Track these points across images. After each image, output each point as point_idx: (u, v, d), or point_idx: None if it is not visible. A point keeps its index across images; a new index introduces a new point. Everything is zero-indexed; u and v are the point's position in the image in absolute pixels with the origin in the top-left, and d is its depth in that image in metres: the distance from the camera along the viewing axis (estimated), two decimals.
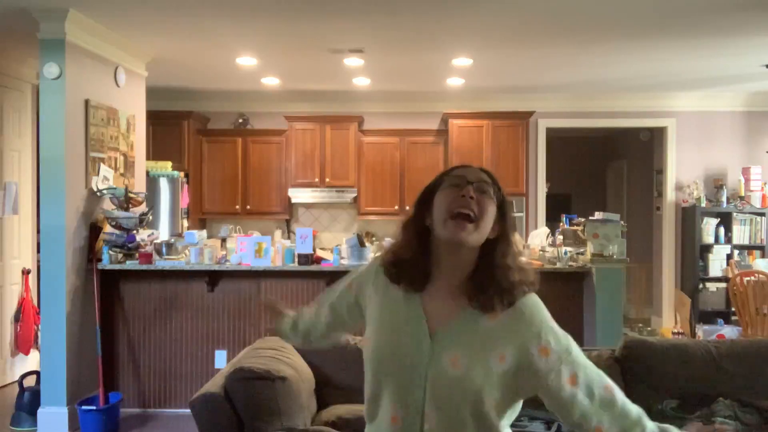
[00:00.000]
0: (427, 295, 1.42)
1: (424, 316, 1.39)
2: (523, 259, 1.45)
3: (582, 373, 1.34)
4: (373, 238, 7.10)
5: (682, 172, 7.39)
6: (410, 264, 1.42)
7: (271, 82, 6.56)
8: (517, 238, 1.47)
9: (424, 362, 1.34)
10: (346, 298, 1.59)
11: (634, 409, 1.34)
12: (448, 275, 1.41)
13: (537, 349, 1.34)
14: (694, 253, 7.05)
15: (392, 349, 1.38)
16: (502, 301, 1.36)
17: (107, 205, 4.74)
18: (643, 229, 8.13)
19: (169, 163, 6.55)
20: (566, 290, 4.72)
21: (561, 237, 5.12)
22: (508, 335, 1.35)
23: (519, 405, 1.41)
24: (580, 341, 5.08)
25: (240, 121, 7.51)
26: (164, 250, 4.69)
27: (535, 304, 1.40)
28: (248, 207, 7.26)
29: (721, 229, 7.03)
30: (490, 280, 1.37)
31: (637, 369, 3.08)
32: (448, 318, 1.38)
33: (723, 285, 6.86)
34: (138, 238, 4.68)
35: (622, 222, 4.81)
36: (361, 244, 4.76)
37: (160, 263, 4.64)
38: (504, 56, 5.53)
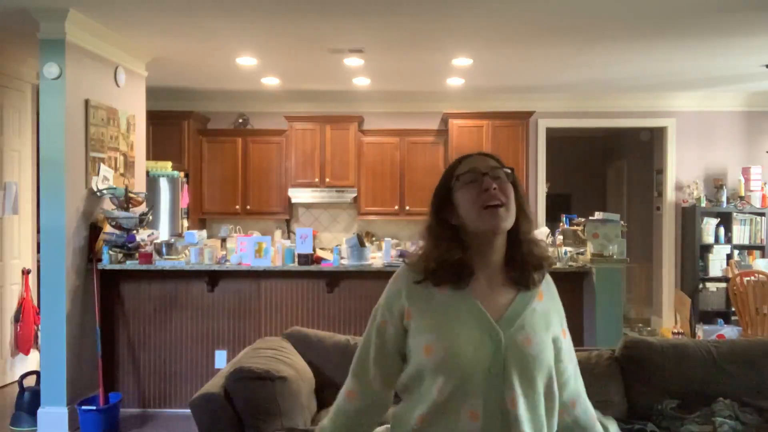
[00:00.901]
0: (474, 289, 1.44)
1: (482, 308, 1.42)
2: (539, 239, 1.55)
3: (575, 359, 1.54)
4: (373, 238, 7.10)
5: (682, 172, 7.39)
6: (454, 264, 1.44)
7: (271, 82, 6.56)
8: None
9: (501, 350, 1.38)
10: (387, 332, 1.48)
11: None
12: (487, 264, 1.46)
13: (561, 330, 1.51)
14: (694, 253, 7.05)
15: (466, 349, 1.38)
16: (538, 276, 1.48)
17: (107, 205, 4.74)
18: (643, 229, 8.13)
19: (169, 163, 6.56)
20: (566, 290, 4.68)
21: (561, 237, 5.12)
22: (553, 312, 1.50)
23: None
24: (580, 341, 5.07)
25: (240, 121, 7.51)
26: (164, 250, 4.69)
27: (551, 281, 1.55)
28: (248, 207, 7.26)
29: (721, 229, 7.03)
30: (523, 257, 1.46)
31: (637, 369, 3.08)
32: (505, 304, 1.44)
33: (723, 285, 6.86)
34: (138, 238, 4.68)
35: (622, 222, 4.81)
36: (361, 244, 4.76)
37: (160, 263, 4.64)
38: (504, 56, 5.53)
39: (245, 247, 4.70)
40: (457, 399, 1.37)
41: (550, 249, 4.92)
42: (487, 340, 1.38)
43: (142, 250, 4.66)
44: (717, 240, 7.03)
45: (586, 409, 1.55)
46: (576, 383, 1.53)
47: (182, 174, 6.73)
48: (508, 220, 1.43)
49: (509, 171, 1.49)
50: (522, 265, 1.46)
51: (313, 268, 4.65)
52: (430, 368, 1.39)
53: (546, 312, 1.47)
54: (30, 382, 4.54)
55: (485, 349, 1.38)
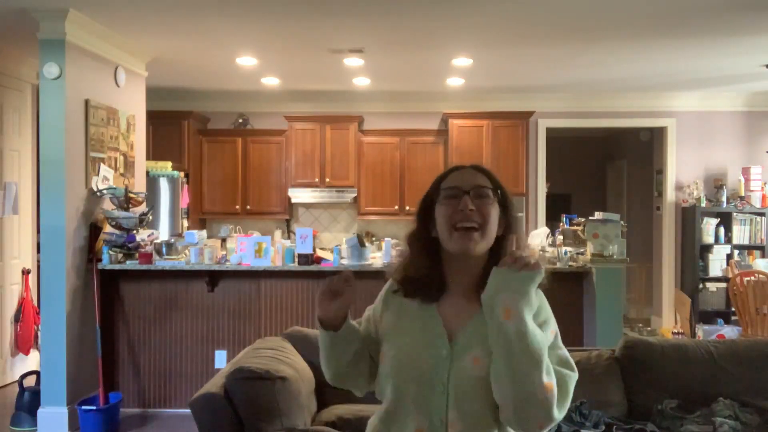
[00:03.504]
0: (443, 303, 1.42)
1: (440, 321, 1.39)
2: (532, 252, 1.43)
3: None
4: (373, 238, 7.09)
5: (682, 172, 7.39)
6: (424, 279, 1.42)
7: (271, 82, 6.56)
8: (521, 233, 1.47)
9: (446, 366, 1.34)
10: (373, 321, 1.52)
11: None
12: (460, 279, 1.41)
13: (547, 332, 1.36)
14: (694, 253, 7.05)
15: (412, 358, 1.37)
16: None
17: (107, 205, 4.74)
18: (643, 229, 8.13)
19: (169, 163, 6.55)
20: (566, 290, 4.71)
21: (561, 237, 5.13)
22: None
23: None
24: (580, 341, 5.05)
25: (240, 121, 7.51)
26: (164, 250, 4.69)
27: (542, 304, 1.39)
28: (248, 207, 7.26)
29: (721, 229, 7.03)
30: None
31: (637, 369, 3.08)
32: (466, 320, 1.38)
33: (723, 285, 6.86)
34: (138, 238, 4.67)
35: (622, 222, 4.81)
36: (361, 244, 4.76)
37: (160, 263, 4.64)
38: (504, 56, 5.53)
39: (245, 247, 4.70)
40: (405, 412, 1.37)
41: (550, 249, 4.92)
42: (435, 355, 1.36)
43: (142, 250, 4.66)
44: (717, 240, 7.03)
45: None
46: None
47: (182, 174, 6.73)
48: (481, 244, 1.36)
49: (498, 188, 1.41)
50: None
51: (313, 268, 4.65)
52: (384, 375, 1.41)
53: None
54: (30, 382, 4.54)
55: (429, 364, 1.35)
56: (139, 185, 5.31)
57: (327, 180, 7.17)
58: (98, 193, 4.62)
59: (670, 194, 7.43)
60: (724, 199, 7.02)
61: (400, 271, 1.47)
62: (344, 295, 1.39)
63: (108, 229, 4.64)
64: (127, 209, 4.68)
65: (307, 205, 7.53)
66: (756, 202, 7.01)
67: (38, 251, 5.39)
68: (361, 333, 1.50)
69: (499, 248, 1.39)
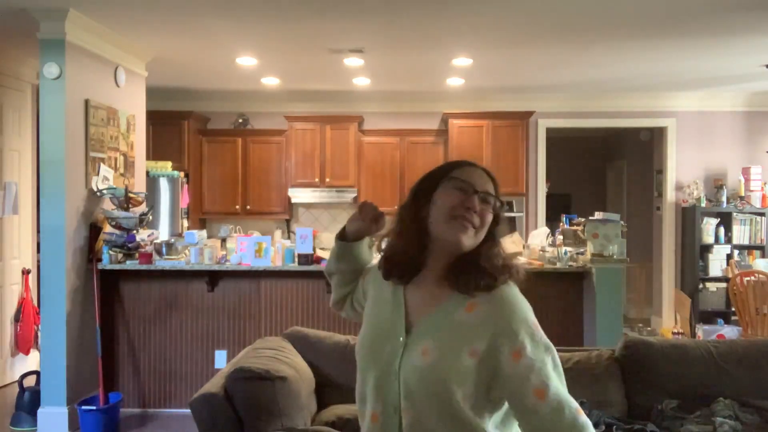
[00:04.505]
0: (411, 287, 1.44)
1: (404, 309, 1.41)
2: (510, 255, 1.44)
3: (553, 389, 1.26)
4: (373, 238, 7.09)
5: (682, 172, 7.39)
6: (406, 260, 1.43)
7: (271, 82, 6.56)
8: (516, 237, 1.49)
9: (398, 356, 1.35)
10: (362, 281, 1.64)
11: None
12: (434, 265, 1.42)
13: (509, 350, 1.27)
14: (694, 253, 7.05)
15: (371, 343, 1.42)
16: (479, 284, 1.33)
17: (107, 205, 4.74)
18: (643, 229, 8.13)
19: (169, 163, 6.56)
20: (566, 290, 4.71)
21: (561, 237, 5.12)
22: (483, 328, 1.30)
23: (505, 405, 1.33)
24: (579, 341, 5.05)
25: (240, 121, 7.51)
26: (164, 250, 4.69)
27: (516, 298, 1.35)
28: (248, 207, 7.26)
29: (721, 229, 7.02)
30: (472, 264, 1.37)
31: (637, 369, 3.08)
32: (428, 309, 1.39)
33: (723, 285, 6.85)
34: (138, 238, 4.67)
35: (622, 222, 4.81)
36: None
37: (160, 263, 4.64)
38: (504, 56, 5.53)
39: (245, 247, 4.70)
40: (366, 395, 1.40)
41: (550, 249, 4.92)
42: (390, 342, 1.38)
43: (142, 250, 4.66)
44: (717, 240, 7.03)
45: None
46: (558, 421, 1.25)
47: (182, 174, 6.73)
48: (472, 240, 1.37)
49: (498, 203, 1.43)
50: (464, 271, 1.36)
51: (313, 268, 4.65)
52: (356, 351, 1.48)
53: (473, 326, 1.31)
54: (30, 382, 4.54)
55: (385, 351, 1.38)
56: (139, 185, 5.31)
57: (327, 180, 7.17)
58: (98, 193, 4.62)
59: (670, 194, 7.43)
60: (724, 199, 7.02)
61: (387, 249, 1.51)
62: (369, 223, 1.59)
63: (108, 229, 4.64)
64: (127, 209, 4.68)
65: (307, 205, 7.54)
66: (756, 202, 7.01)
67: (38, 251, 5.39)
68: (360, 270, 1.65)
69: (478, 249, 1.40)
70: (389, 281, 1.47)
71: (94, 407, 4.31)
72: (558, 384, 1.27)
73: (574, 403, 1.27)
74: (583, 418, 1.26)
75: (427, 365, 1.30)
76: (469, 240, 1.37)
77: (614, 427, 2.83)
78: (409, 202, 1.47)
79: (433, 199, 1.41)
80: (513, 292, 1.36)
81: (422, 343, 1.34)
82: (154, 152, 6.64)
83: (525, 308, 1.34)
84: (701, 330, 6.06)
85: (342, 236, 1.63)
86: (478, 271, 1.35)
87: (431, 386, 1.29)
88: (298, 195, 7.21)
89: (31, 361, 5.58)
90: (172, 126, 6.94)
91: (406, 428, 1.33)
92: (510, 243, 4.78)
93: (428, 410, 1.30)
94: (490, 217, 1.41)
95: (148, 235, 4.86)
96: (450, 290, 1.37)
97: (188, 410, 2.72)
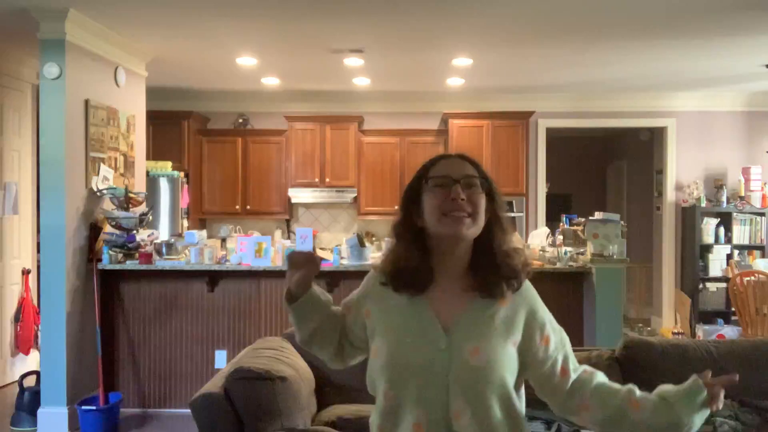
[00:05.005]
0: (431, 294, 1.41)
1: (434, 314, 1.39)
2: (514, 239, 1.48)
3: (572, 363, 1.44)
4: (373, 238, 7.10)
5: (682, 172, 7.39)
6: (411, 271, 1.41)
7: (271, 82, 6.56)
8: (516, 237, 1.50)
9: (444, 360, 1.34)
10: (350, 316, 1.53)
11: (619, 386, 1.42)
12: (449, 270, 1.42)
13: (539, 337, 1.41)
14: (694, 253, 7.05)
15: (408, 354, 1.36)
16: (511, 287, 1.41)
17: (107, 205, 4.74)
18: (643, 229, 8.13)
19: (169, 163, 6.56)
20: (566, 290, 4.71)
21: (561, 237, 5.12)
22: (517, 319, 1.40)
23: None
24: (579, 341, 5.04)
25: (240, 121, 7.51)
26: (164, 250, 4.69)
27: (533, 291, 1.47)
28: (248, 207, 7.26)
29: (721, 229, 7.02)
30: (493, 266, 1.40)
31: (637, 369, 3.08)
32: (459, 311, 1.39)
33: (723, 285, 6.85)
34: (138, 238, 4.67)
35: (622, 222, 4.81)
36: (361, 244, 4.76)
37: (160, 263, 4.64)
38: (504, 56, 5.53)
39: (245, 247, 4.70)
40: (402, 408, 1.36)
41: (550, 249, 4.92)
42: (432, 348, 1.35)
43: (142, 250, 4.66)
44: (717, 240, 7.03)
45: (599, 387, 1.43)
46: (581, 380, 1.43)
47: (182, 174, 6.73)
48: (472, 229, 1.38)
49: (484, 177, 1.43)
50: (487, 273, 1.40)
51: None
52: (376, 371, 1.40)
53: (509, 318, 1.39)
54: (30, 382, 4.54)
55: (426, 359, 1.35)
56: (139, 185, 5.31)
57: (327, 180, 7.17)
58: (98, 193, 4.62)
59: (670, 194, 7.43)
60: (724, 199, 7.02)
61: (387, 264, 1.46)
62: (307, 268, 1.44)
63: (108, 229, 4.64)
64: (127, 209, 4.68)
65: (307, 205, 7.53)
66: (756, 202, 7.01)
67: (38, 251, 5.39)
68: (333, 310, 1.53)
69: (486, 236, 1.42)
70: (401, 293, 1.43)
71: (94, 407, 4.31)
72: (575, 359, 1.45)
73: (582, 367, 1.45)
74: (590, 370, 1.44)
75: (484, 364, 1.33)
76: (469, 229, 1.38)
77: None
78: (400, 216, 1.47)
79: (421, 206, 1.42)
80: (530, 287, 1.47)
81: (468, 344, 1.35)
82: (154, 152, 6.64)
83: (539, 300, 1.47)
84: (701, 330, 6.06)
85: (291, 299, 1.48)
86: (503, 275, 1.40)
87: (489, 384, 1.33)
88: (298, 195, 7.21)
89: (31, 361, 5.58)
90: (172, 126, 6.94)
91: (462, 430, 1.32)
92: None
93: (484, 407, 1.33)
94: (482, 198, 1.40)
95: (148, 235, 4.86)
96: (479, 291, 1.40)
97: (188, 410, 2.71)
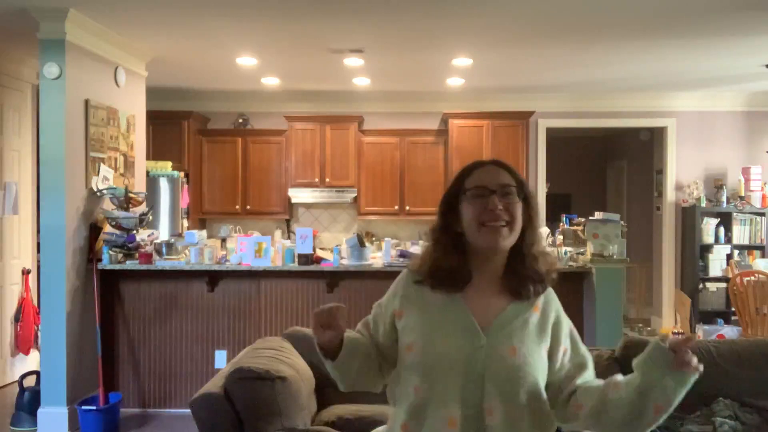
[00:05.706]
0: (467, 293, 1.45)
1: (471, 314, 1.42)
2: (547, 253, 1.53)
3: (590, 362, 1.50)
4: (373, 238, 7.10)
5: (682, 172, 7.39)
6: (451, 270, 1.45)
7: (271, 82, 6.56)
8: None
9: (481, 357, 1.37)
10: (377, 324, 1.54)
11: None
12: (485, 272, 1.46)
13: (563, 339, 1.48)
14: (694, 253, 7.05)
15: (445, 349, 1.39)
16: (537, 289, 1.47)
17: (107, 205, 4.74)
18: (643, 229, 8.13)
19: (169, 163, 6.56)
20: (566, 290, 4.70)
21: (561, 237, 5.13)
22: (546, 325, 1.46)
23: None
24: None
25: (240, 121, 7.51)
26: (164, 250, 4.69)
27: (556, 297, 1.54)
28: (248, 207, 7.26)
29: (721, 229, 7.02)
30: (525, 270, 1.45)
31: None
32: (496, 312, 1.43)
33: (723, 285, 6.85)
34: (138, 238, 4.68)
35: (622, 222, 4.81)
36: (361, 244, 4.76)
37: (160, 263, 4.64)
38: (504, 56, 5.53)
39: (245, 247, 4.70)
40: (434, 403, 1.38)
41: (550, 249, 4.93)
42: (468, 345, 1.39)
43: (142, 250, 4.66)
44: (717, 240, 7.03)
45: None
46: (577, 387, 1.48)
47: (182, 174, 6.73)
48: (509, 239, 1.43)
49: (520, 184, 1.47)
50: (521, 277, 1.45)
51: (313, 268, 4.65)
52: (408, 367, 1.42)
53: (541, 325, 1.46)
54: (30, 382, 4.54)
55: (464, 354, 1.38)
56: (139, 185, 5.31)
57: (327, 180, 7.17)
58: (98, 193, 4.62)
59: (670, 194, 7.43)
60: (724, 199, 7.02)
61: (425, 263, 1.49)
62: (334, 325, 1.38)
63: (108, 229, 4.64)
64: (127, 209, 4.68)
65: (307, 205, 7.53)
66: (756, 202, 7.01)
67: (38, 251, 5.39)
68: (364, 341, 1.50)
69: (521, 240, 1.46)
70: (435, 290, 1.46)
71: (94, 407, 4.31)
72: (589, 355, 1.51)
73: (585, 378, 1.48)
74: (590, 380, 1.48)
75: (519, 364, 1.37)
76: (506, 239, 1.42)
77: None
78: (438, 223, 1.51)
79: (460, 215, 1.46)
80: (553, 292, 1.53)
81: (507, 343, 1.39)
82: (154, 152, 6.64)
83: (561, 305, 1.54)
84: (701, 330, 6.06)
85: (328, 355, 1.43)
86: (529, 280, 1.46)
87: (523, 383, 1.37)
88: (298, 195, 7.21)
89: (31, 361, 5.58)
90: (172, 126, 6.94)
91: (494, 427, 1.35)
92: None
93: (516, 405, 1.37)
94: (519, 206, 1.44)
95: (148, 235, 4.86)
96: (513, 295, 1.45)
97: (188, 410, 2.71)
